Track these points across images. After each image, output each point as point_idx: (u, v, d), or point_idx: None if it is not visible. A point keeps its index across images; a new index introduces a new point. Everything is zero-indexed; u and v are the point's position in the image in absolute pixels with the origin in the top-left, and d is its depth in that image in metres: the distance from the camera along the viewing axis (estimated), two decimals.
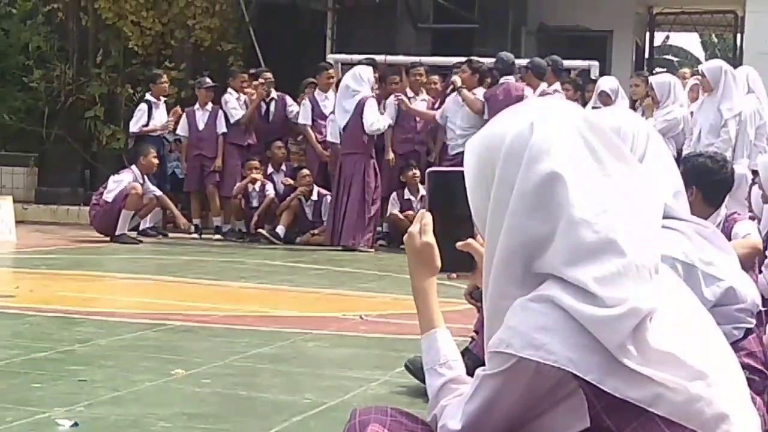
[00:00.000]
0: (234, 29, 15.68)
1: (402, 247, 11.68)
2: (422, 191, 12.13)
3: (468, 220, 1.80)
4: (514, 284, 1.63)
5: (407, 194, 12.27)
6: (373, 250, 11.80)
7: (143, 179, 12.00)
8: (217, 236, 12.70)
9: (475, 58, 12.25)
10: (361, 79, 11.89)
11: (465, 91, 11.73)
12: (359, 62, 12.60)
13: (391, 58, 13.63)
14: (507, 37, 14.91)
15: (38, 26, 16.38)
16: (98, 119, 15.53)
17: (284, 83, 13.58)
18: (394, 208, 12.26)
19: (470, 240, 1.90)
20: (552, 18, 15.85)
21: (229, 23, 15.60)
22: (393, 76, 13.09)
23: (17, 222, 11.89)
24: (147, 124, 13.05)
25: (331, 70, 13.07)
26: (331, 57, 14.35)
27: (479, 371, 1.68)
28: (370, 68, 12.18)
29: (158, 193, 12.14)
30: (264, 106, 13.24)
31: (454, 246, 1.88)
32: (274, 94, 13.26)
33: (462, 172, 1.81)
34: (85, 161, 15.53)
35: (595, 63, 13.68)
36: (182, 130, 13.21)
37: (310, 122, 12.78)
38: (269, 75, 13.27)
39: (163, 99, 13.38)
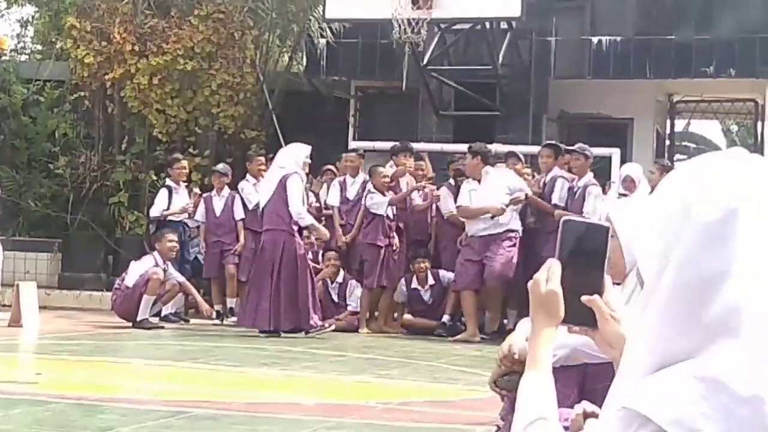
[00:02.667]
0: (258, 117, 15.87)
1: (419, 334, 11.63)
2: (431, 281, 12.16)
3: (596, 274, 1.81)
4: (681, 326, 1.48)
5: (415, 283, 12.25)
6: (332, 326, 11.48)
7: (165, 264, 12.04)
8: (233, 318, 12.63)
9: (477, 144, 12.25)
10: (290, 157, 11.36)
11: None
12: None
13: (413, 145, 13.74)
14: (528, 124, 15.02)
15: (65, 114, 16.66)
16: (122, 205, 15.70)
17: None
18: (400, 297, 12.32)
19: (596, 296, 1.86)
20: (573, 105, 15.95)
21: (253, 111, 15.80)
22: (419, 162, 13.15)
23: (40, 307, 11.92)
24: (167, 209, 13.17)
25: (350, 155, 13.18)
26: (354, 144, 14.48)
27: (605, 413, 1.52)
28: (305, 147, 11.49)
29: (181, 279, 12.16)
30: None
31: (579, 299, 1.84)
32: None
33: (596, 225, 1.81)
34: (108, 247, 15.63)
35: (617, 150, 13.76)
36: (200, 216, 13.31)
37: (337, 203, 12.77)
38: None
39: (183, 184, 13.49)
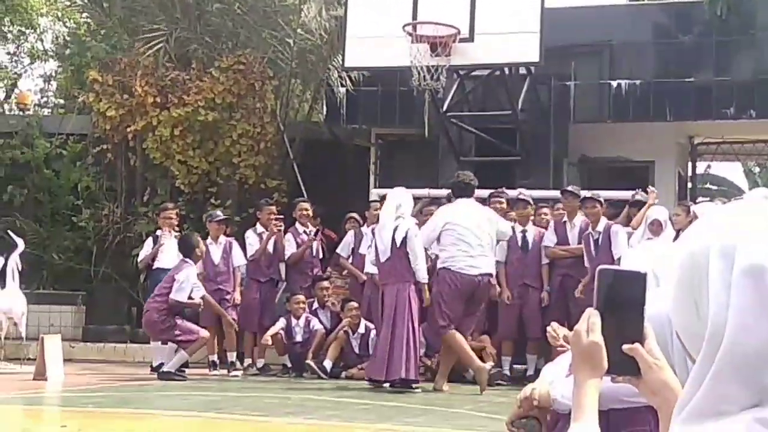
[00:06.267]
0: (278, 166, 15.93)
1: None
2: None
3: (636, 322, 1.79)
4: (738, 388, 1.45)
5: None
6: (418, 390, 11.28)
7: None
8: (235, 372, 12.48)
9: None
10: (408, 206, 11.25)
11: None
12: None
13: (434, 192, 13.75)
14: (549, 169, 15.01)
15: (87, 167, 16.78)
16: None
17: (328, 218, 13.70)
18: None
19: (637, 344, 1.83)
20: (593, 149, 15.93)
21: (274, 160, 15.86)
22: (429, 207, 13.08)
23: (65, 360, 11.93)
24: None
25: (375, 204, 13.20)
26: (374, 191, 14.50)
27: None
28: (410, 194, 11.50)
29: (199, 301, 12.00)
30: (316, 244, 13.34)
31: (620, 349, 1.82)
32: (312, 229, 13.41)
33: (633, 272, 1.79)
34: (132, 299, 15.66)
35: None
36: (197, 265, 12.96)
37: (345, 254, 12.87)
38: (305, 206, 13.46)
39: (174, 232, 13.14)
